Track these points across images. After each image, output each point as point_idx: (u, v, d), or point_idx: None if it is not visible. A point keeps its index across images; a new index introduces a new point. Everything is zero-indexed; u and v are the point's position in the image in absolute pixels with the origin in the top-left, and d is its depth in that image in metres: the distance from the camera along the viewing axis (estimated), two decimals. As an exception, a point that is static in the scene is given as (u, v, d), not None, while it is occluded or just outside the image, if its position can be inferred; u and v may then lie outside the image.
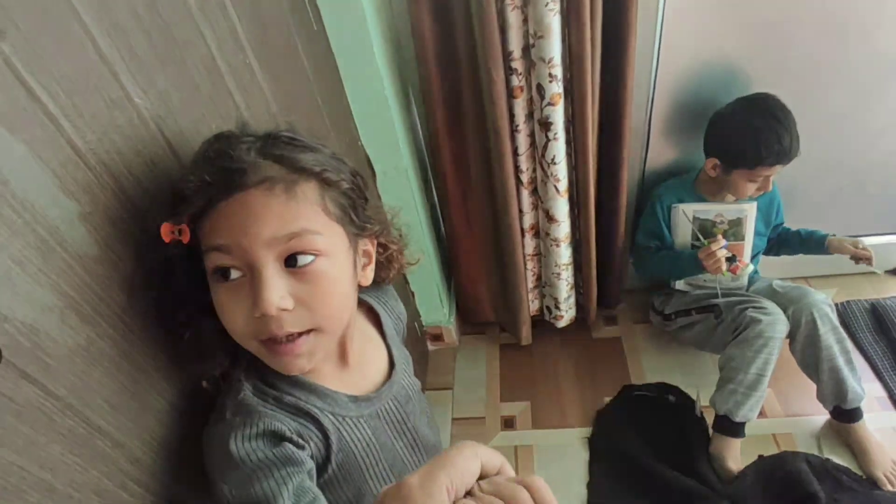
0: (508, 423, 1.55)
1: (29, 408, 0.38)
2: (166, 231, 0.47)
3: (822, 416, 1.43)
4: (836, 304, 1.65)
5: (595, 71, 1.21)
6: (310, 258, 0.50)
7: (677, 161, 1.51)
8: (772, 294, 1.39)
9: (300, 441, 0.53)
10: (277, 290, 0.48)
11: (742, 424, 1.33)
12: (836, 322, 1.30)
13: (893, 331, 1.56)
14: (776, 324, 1.29)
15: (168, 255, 0.49)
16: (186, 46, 0.59)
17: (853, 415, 1.33)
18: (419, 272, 1.55)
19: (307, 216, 0.50)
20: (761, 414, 1.40)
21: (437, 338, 1.77)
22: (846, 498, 1.27)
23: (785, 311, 1.32)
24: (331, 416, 0.58)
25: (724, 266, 1.30)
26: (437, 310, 1.68)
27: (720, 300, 1.41)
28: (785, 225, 1.52)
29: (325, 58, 1.05)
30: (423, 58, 1.22)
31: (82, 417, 0.42)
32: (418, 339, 1.69)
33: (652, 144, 1.47)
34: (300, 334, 0.51)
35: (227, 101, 0.66)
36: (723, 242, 1.30)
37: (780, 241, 1.52)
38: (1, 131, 0.37)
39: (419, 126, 1.43)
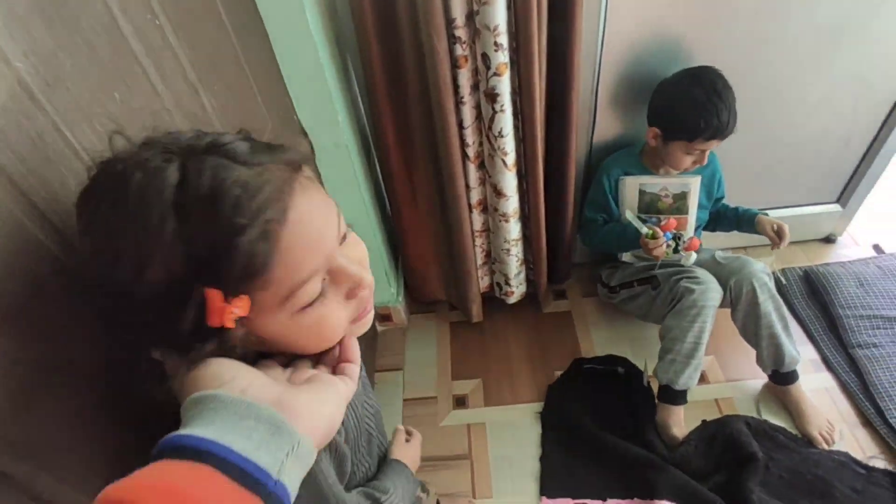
0: (460, 402, 1.54)
1: None
2: (228, 315, 0.38)
3: (760, 380, 1.49)
4: (773, 273, 1.70)
5: (541, 40, 1.17)
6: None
7: (624, 133, 1.50)
8: (714, 265, 1.42)
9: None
10: (358, 263, 0.48)
11: (683, 392, 1.36)
12: (774, 290, 1.34)
13: (825, 296, 1.63)
14: (708, 292, 1.32)
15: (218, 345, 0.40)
16: (79, 3, 0.51)
17: (789, 377, 1.39)
18: (365, 252, 1.50)
19: (325, 193, 0.48)
20: (704, 380, 1.44)
21: (386, 318, 1.73)
22: (782, 456, 1.33)
23: (727, 282, 1.35)
24: None
25: (663, 255, 1.33)
26: (384, 289, 1.63)
27: (658, 271, 1.44)
28: (725, 200, 1.55)
29: (251, 21, 0.97)
30: (361, 24, 1.14)
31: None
32: (366, 320, 1.64)
33: (599, 116, 1.46)
34: None
35: (133, 67, 0.58)
36: (663, 240, 1.31)
37: (718, 218, 1.54)
38: None
39: (360, 99, 1.36)
